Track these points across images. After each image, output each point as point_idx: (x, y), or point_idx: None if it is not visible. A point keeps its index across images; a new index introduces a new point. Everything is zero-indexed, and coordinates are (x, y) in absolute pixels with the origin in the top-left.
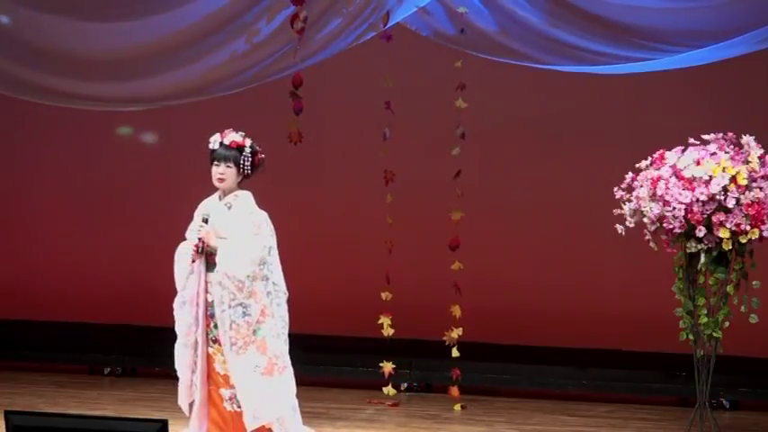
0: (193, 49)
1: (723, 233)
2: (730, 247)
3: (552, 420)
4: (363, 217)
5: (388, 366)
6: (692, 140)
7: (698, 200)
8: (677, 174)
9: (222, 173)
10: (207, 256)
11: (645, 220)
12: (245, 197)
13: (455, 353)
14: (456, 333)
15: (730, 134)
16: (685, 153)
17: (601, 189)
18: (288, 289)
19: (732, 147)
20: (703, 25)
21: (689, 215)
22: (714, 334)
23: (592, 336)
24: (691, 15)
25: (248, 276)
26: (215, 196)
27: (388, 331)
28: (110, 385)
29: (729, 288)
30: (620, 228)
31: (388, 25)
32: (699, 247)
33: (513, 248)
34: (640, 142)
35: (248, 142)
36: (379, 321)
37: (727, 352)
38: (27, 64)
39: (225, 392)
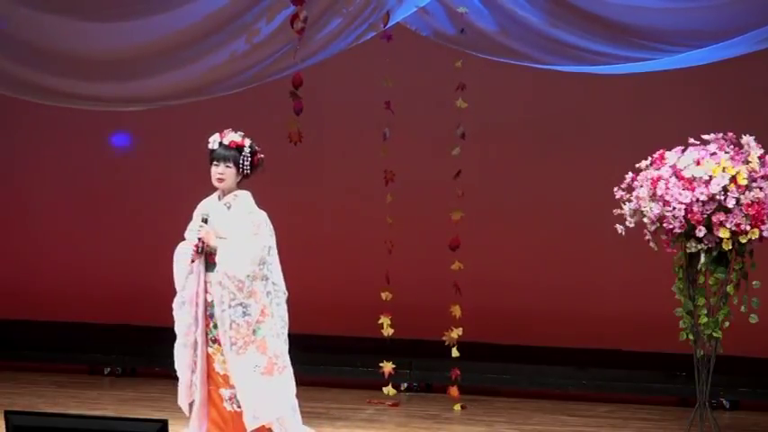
0: (193, 49)
1: (723, 233)
2: (730, 247)
3: (552, 420)
4: (363, 217)
5: (388, 366)
6: (692, 140)
7: (698, 200)
8: (677, 174)
9: (221, 173)
10: (206, 256)
11: (645, 220)
12: (245, 197)
13: (455, 353)
14: (456, 333)
15: (730, 134)
16: (685, 153)
17: (601, 189)
18: (288, 289)
19: (732, 147)
20: (703, 25)
21: (689, 215)
22: (714, 334)
23: (592, 336)
24: (691, 15)
25: (248, 276)
26: (214, 196)
27: (387, 331)
28: (110, 385)
29: (729, 288)
30: (620, 228)
31: (388, 25)
32: (699, 247)
33: (513, 248)
34: (640, 142)
35: (247, 142)
36: (380, 321)
37: (727, 352)
38: (27, 64)
39: (225, 392)
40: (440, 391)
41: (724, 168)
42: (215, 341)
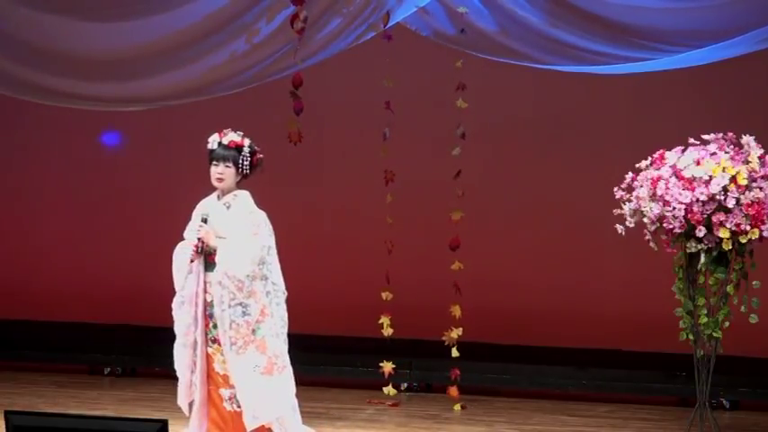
0: (193, 49)
1: (723, 233)
2: (730, 247)
3: (552, 420)
4: (363, 217)
5: (388, 366)
6: (692, 140)
7: (698, 200)
8: (677, 174)
9: (221, 172)
10: (205, 256)
11: (645, 220)
12: (244, 197)
13: (455, 353)
14: (456, 333)
15: (730, 134)
16: (685, 153)
17: (601, 189)
18: (288, 289)
19: (732, 147)
20: (703, 25)
21: (689, 215)
22: (714, 334)
23: (592, 336)
24: (691, 15)
25: (248, 276)
26: (213, 196)
27: (387, 331)
28: (110, 385)
29: (729, 288)
30: (620, 228)
31: (388, 25)
32: (699, 247)
33: (514, 248)
34: (640, 142)
35: (247, 142)
36: (380, 321)
37: (727, 352)
38: (27, 64)
39: (224, 392)
40: (440, 391)
41: (724, 168)
42: (214, 341)
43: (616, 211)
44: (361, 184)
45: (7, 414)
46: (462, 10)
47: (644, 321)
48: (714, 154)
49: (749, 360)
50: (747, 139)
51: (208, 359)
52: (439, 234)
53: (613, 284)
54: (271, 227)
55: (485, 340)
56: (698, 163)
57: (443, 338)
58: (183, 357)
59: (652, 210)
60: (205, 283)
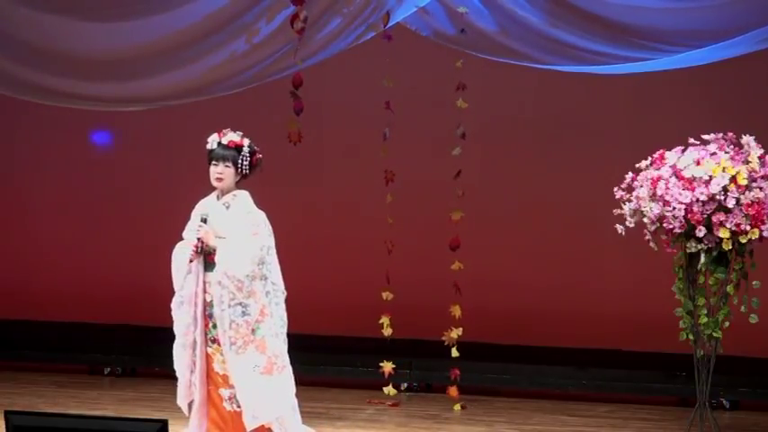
0: (193, 49)
1: (723, 233)
2: (730, 247)
3: (552, 420)
4: (363, 217)
5: (388, 366)
6: (692, 140)
7: (698, 200)
8: (677, 174)
9: (220, 172)
10: (205, 256)
11: (645, 220)
12: (244, 197)
13: (455, 353)
14: (456, 333)
15: (730, 134)
16: (685, 153)
17: (601, 189)
18: (288, 289)
19: (732, 147)
20: (703, 25)
21: (689, 215)
22: (714, 334)
23: (592, 336)
24: (691, 15)
25: (248, 276)
26: (212, 196)
27: (387, 331)
28: (110, 385)
29: (729, 288)
30: (620, 228)
31: (388, 25)
32: (699, 247)
33: (514, 248)
34: (640, 142)
35: (246, 142)
36: (380, 321)
37: (727, 352)
38: (27, 64)
39: (224, 392)
40: (440, 391)
41: (724, 168)
42: (214, 341)
43: (616, 211)
44: (361, 184)
45: (7, 414)
46: (462, 10)
47: (644, 321)
48: (714, 154)
49: (749, 360)
50: (747, 139)
51: (207, 359)
52: (439, 234)
53: (613, 284)
54: (270, 227)
55: (485, 340)
56: (698, 163)
57: (443, 338)
58: (183, 357)
59: (652, 210)
60: (204, 282)
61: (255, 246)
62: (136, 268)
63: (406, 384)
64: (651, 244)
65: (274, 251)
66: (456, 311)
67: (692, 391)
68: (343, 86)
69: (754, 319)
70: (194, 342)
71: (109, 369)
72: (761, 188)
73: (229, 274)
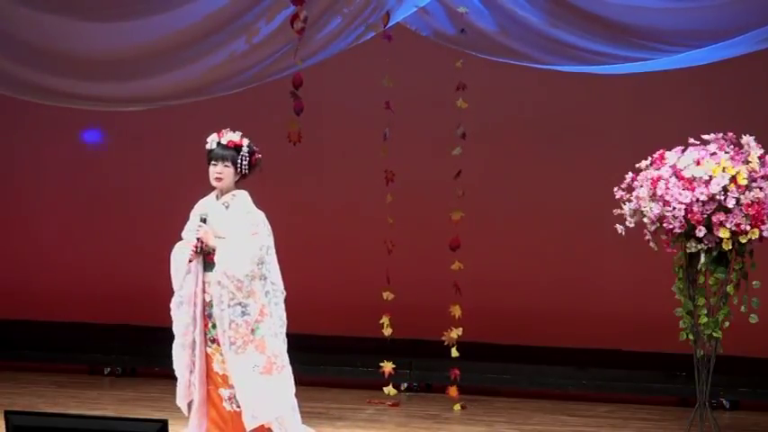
0: (193, 49)
1: (723, 233)
2: (730, 247)
3: (552, 420)
4: (363, 217)
5: (388, 366)
6: (692, 140)
7: (698, 200)
8: (677, 174)
9: (220, 172)
10: (204, 256)
11: (645, 220)
12: (243, 197)
13: (455, 353)
14: (455, 333)
15: (730, 134)
16: (685, 153)
17: (601, 189)
18: (288, 289)
19: (732, 147)
20: (703, 25)
21: (689, 215)
22: (714, 334)
23: (592, 336)
24: (691, 15)
25: (247, 276)
26: (212, 196)
27: (387, 331)
28: (110, 385)
29: (729, 288)
30: (620, 228)
31: (388, 25)
32: (699, 247)
33: (514, 248)
34: (640, 142)
35: (246, 142)
36: (381, 321)
37: (727, 352)
38: (27, 64)
39: (224, 392)
40: (440, 391)
41: (724, 168)
42: (213, 341)
43: (616, 211)
44: (361, 184)
45: (7, 414)
46: (462, 10)
47: (644, 321)
48: (714, 154)
49: (749, 360)
50: (747, 139)
51: (207, 359)
52: (439, 234)
53: (613, 284)
54: (269, 227)
55: (485, 340)
56: (698, 163)
57: (443, 338)
58: (182, 357)
59: (652, 210)
60: (204, 282)
61: (255, 245)
62: (136, 268)
63: (406, 384)
64: (651, 244)
65: (273, 251)
66: (456, 311)
67: (692, 391)
68: (343, 86)
69: (754, 319)
70: (193, 342)
71: (109, 369)
72: (761, 188)
73: (229, 273)
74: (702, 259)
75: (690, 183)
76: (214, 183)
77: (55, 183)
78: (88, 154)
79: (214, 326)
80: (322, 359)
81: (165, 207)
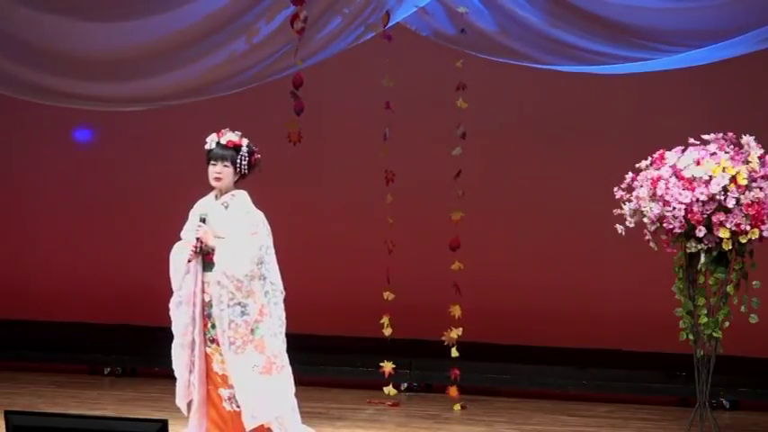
0: (193, 49)
1: (723, 233)
2: (730, 247)
3: (552, 420)
4: (363, 217)
5: (388, 366)
6: (692, 140)
7: (698, 200)
8: (677, 174)
9: (219, 172)
10: (203, 256)
11: (645, 220)
12: (242, 196)
13: (455, 353)
14: (455, 333)
15: (730, 134)
16: (685, 153)
17: (601, 189)
18: (288, 289)
19: (732, 147)
20: (703, 25)
21: (689, 215)
22: (714, 334)
23: (592, 336)
24: (691, 15)
25: (247, 275)
26: (211, 196)
27: (387, 331)
28: (110, 385)
29: (729, 288)
30: (620, 228)
31: (389, 25)
32: (699, 247)
33: (514, 248)
34: (640, 142)
35: (245, 142)
36: (381, 321)
37: (727, 352)
38: (27, 64)
39: (224, 392)
40: (440, 391)
41: (724, 168)
42: (213, 341)
43: (616, 211)
44: (361, 184)
45: (7, 414)
46: (462, 10)
47: (644, 321)
48: (714, 154)
49: (749, 360)
50: (747, 139)
51: (206, 359)
52: (439, 234)
53: (613, 284)
54: (268, 227)
55: (485, 340)
56: (698, 163)
57: (443, 338)
58: (181, 357)
59: (652, 210)
60: (203, 282)
61: (254, 245)
62: (136, 268)
63: (406, 384)
64: (651, 244)
65: (273, 251)
66: (456, 311)
67: (692, 391)
68: (343, 86)
69: (754, 319)
70: (193, 342)
71: (109, 369)
72: (761, 188)
73: (228, 273)
74: (702, 259)
75: (690, 183)
76: (213, 183)
77: (54, 183)
78: (88, 154)
79: (213, 326)
80: (322, 359)
81: (165, 207)
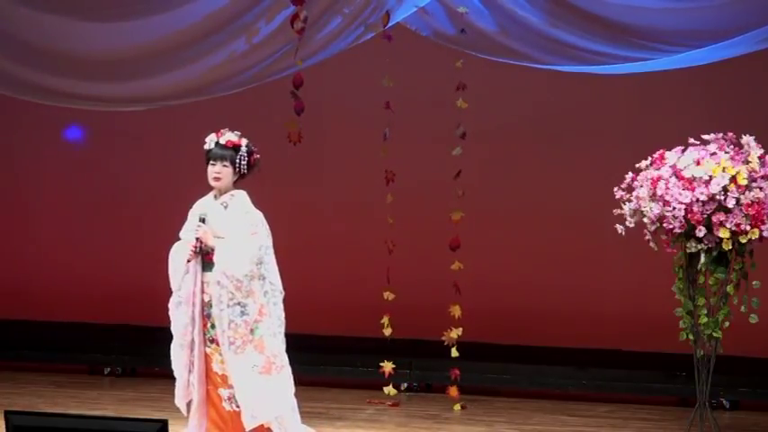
0: (193, 49)
1: (723, 233)
2: (730, 247)
3: (552, 420)
4: (363, 217)
5: (388, 366)
6: (692, 140)
7: (698, 200)
8: (677, 174)
9: (218, 172)
10: (203, 256)
11: (645, 220)
12: (241, 196)
13: (455, 353)
14: (455, 333)
15: (730, 134)
16: (685, 153)
17: (601, 189)
18: (288, 289)
19: (732, 147)
20: (703, 25)
21: (689, 215)
22: (714, 334)
23: (592, 336)
24: (691, 15)
25: (246, 275)
26: (210, 196)
27: (387, 331)
28: (110, 385)
29: (729, 288)
30: (620, 228)
31: (388, 25)
32: (699, 247)
33: (514, 248)
34: (640, 142)
35: (244, 142)
36: (382, 321)
37: (727, 352)
38: (27, 64)
39: (223, 392)
40: (440, 391)
41: (724, 168)
42: (212, 341)
43: (616, 211)
44: (361, 185)
45: (7, 414)
46: (462, 10)
47: (644, 321)
48: (714, 154)
49: (749, 360)
50: (747, 139)
51: (206, 359)
52: (439, 234)
53: (613, 284)
54: (268, 227)
55: (485, 340)
56: (698, 163)
57: (443, 338)
58: (181, 357)
59: (652, 210)
60: (202, 282)
61: (254, 245)
62: (136, 268)
63: (406, 384)
64: (651, 244)
65: (272, 251)
66: (456, 311)
67: (692, 391)
68: (343, 86)
69: (754, 319)
70: (192, 342)
71: (109, 369)
72: (761, 188)
73: (228, 273)
74: (702, 259)
75: (690, 183)
76: (212, 183)
77: (55, 183)
78: (88, 154)
79: (213, 326)
80: (322, 359)
81: (165, 207)
